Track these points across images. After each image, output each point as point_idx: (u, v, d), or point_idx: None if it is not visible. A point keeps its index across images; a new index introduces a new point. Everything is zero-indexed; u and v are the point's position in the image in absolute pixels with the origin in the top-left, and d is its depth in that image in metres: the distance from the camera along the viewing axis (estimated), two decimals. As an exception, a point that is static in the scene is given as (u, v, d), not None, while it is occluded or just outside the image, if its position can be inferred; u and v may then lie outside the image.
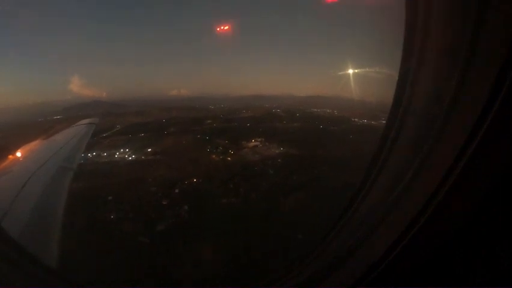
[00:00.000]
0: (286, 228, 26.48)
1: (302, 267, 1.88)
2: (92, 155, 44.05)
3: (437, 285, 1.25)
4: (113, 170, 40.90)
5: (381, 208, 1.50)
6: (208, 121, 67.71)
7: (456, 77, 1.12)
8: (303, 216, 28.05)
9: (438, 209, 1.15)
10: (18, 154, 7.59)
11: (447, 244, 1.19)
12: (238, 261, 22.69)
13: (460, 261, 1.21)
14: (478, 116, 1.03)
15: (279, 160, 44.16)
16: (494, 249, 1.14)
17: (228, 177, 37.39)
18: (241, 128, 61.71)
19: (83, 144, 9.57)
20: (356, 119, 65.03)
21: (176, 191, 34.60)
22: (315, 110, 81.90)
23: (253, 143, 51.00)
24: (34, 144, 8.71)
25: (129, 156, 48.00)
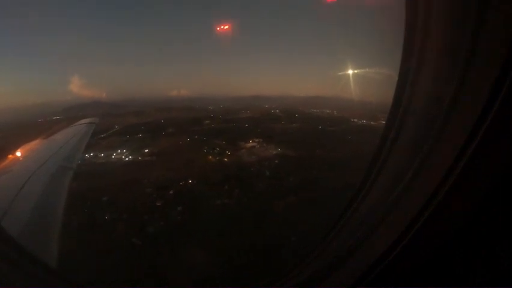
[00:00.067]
0: (281, 229, 26.50)
1: (302, 267, 1.88)
2: (90, 156, 44.05)
3: (437, 285, 1.25)
4: (109, 171, 41.01)
5: (381, 208, 1.50)
6: (207, 122, 67.75)
7: (456, 77, 1.12)
8: (298, 218, 28.05)
9: (438, 209, 1.15)
10: (18, 153, 7.58)
11: (447, 244, 1.19)
12: (236, 262, 22.69)
13: (460, 261, 1.21)
14: (478, 116, 1.03)
15: (276, 161, 44.23)
16: (494, 249, 1.14)
17: (222, 179, 37.41)
18: (239, 128, 61.80)
19: (83, 144, 9.56)
20: (355, 120, 65.16)
21: (171, 192, 34.74)
22: (315, 110, 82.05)
23: (250, 144, 51.05)
24: (34, 144, 8.70)
25: (126, 157, 48.05)
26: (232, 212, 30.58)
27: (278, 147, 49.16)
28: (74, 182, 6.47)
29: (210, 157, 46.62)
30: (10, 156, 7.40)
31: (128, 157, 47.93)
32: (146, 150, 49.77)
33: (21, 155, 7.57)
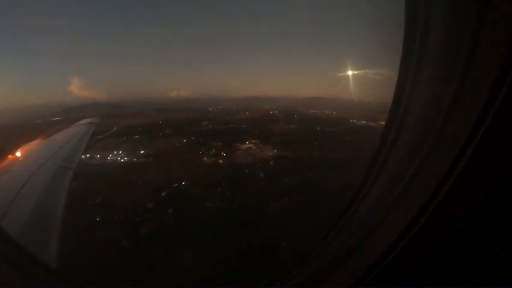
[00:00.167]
0: (278, 230, 26.48)
1: (302, 267, 1.88)
2: (86, 157, 43.88)
3: (437, 285, 1.25)
4: (104, 172, 40.93)
5: (381, 208, 1.50)
6: (205, 123, 67.48)
7: (456, 77, 1.12)
8: (296, 219, 28.03)
9: (438, 209, 1.15)
10: (18, 154, 7.57)
11: (447, 244, 1.19)
12: (236, 262, 22.67)
13: (460, 261, 1.21)
14: (478, 116, 1.03)
15: (271, 163, 44.13)
16: (494, 249, 1.14)
17: (216, 181, 37.37)
18: (237, 129, 61.63)
19: (83, 144, 9.55)
20: (354, 120, 65.13)
21: (163, 194, 34.78)
22: (314, 111, 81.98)
23: (247, 145, 50.85)
24: (34, 144, 8.70)
25: (121, 158, 47.88)
26: (224, 213, 30.61)
27: (275, 148, 49.04)
28: (73, 182, 6.47)
29: (205, 158, 46.55)
30: (10, 156, 7.39)
31: (124, 158, 47.80)
32: (142, 152, 49.64)
33: (21, 155, 7.56)
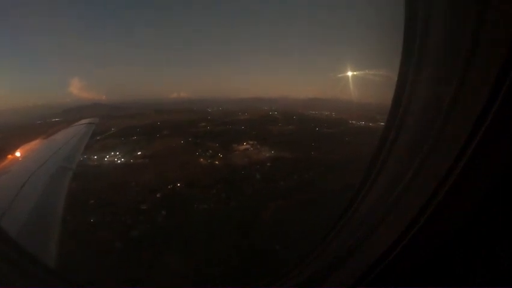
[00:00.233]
0: (276, 231, 26.45)
1: (302, 267, 1.88)
2: (83, 158, 43.63)
3: (437, 285, 1.25)
4: (103, 173, 40.83)
5: (381, 208, 1.50)
6: (203, 124, 67.19)
7: (456, 77, 1.13)
8: (294, 219, 28.01)
9: (438, 209, 1.15)
10: (18, 154, 7.56)
11: (447, 244, 1.19)
12: (235, 262, 22.67)
13: (460, 261, 1.21)
14: (478, 116, 1.03)
15: (268, 164, 44.01)
16: (494, 249, 1.14)
17: (212, 182, 37.29)
18: (236, 130, 61.32)
19: (83, 144, 9.55)
20: (353, 121, 65.03)
21: (158, 195, 34.71)
22: (313, 112, 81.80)
23: (244, 146, 50.62)
24: (34, 144, 8.69)
25: (118, 159, 47.70)
26: (219, 215, 30.58)
27: (272, 149, 48.84)
28: (72, 182, 6.47)
29: (202, 160, 46.40)
30: (10, 156, 7.39)
31: (120, 160, 47.58)
32: (139, 153, 49.38)
33: (21, 155, 7.56)
